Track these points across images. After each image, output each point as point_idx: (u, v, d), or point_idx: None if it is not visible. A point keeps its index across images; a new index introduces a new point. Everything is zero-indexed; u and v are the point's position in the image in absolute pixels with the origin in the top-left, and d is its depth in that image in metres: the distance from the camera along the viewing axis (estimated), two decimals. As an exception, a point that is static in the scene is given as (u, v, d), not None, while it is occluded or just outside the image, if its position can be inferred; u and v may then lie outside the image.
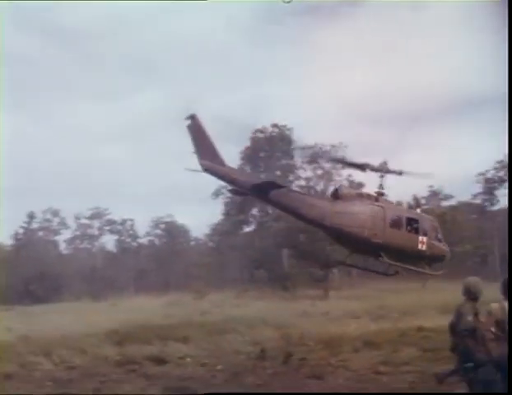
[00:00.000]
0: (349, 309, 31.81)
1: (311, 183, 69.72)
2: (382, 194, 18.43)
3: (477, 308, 8.63)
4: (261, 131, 77.38)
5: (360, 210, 17.82)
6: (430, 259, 18.76)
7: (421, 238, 18.08)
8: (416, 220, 18.46)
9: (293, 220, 61.10)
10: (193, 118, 18.11)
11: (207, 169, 17.98)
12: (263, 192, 17.69)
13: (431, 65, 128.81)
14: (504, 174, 75.66)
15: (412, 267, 18.52)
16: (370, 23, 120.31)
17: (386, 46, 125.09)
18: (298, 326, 23.21)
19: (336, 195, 18.46)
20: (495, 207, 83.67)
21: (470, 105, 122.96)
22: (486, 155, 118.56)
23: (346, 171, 67.04)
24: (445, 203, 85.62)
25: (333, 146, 75.60)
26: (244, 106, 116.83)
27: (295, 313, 28.90)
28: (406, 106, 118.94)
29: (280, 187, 17.90)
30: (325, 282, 58.83)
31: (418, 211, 21.27)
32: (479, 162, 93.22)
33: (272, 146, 77.00)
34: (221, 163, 18.08)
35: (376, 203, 18.05)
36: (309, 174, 71.01)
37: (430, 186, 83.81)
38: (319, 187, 68.84)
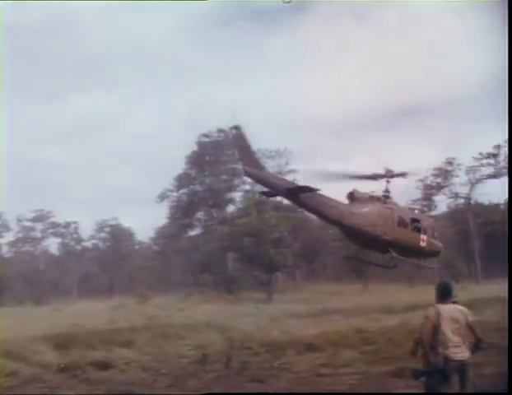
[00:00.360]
0: (292, 311, 32.05)
1: (256, 188, 69.96)
2: (388, 197, 20.74)
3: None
4: (206, 135, 77.33)
5: (373, 211, 20.08)
6: (429, 254, 21.44)
7: (422, 236, 20.42)
8: (418, 220, 20.89)
9: (237, 224, 61.60)
10: (237, 128, 19.49)
11: (249, 174, 19.93)
12: (295, 195, 19.64)
13: (378, 72, 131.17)
14: (441, 180, 77.63)
15: (415, 261, 21.93)
16: (319, 26, 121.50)
17: (334, 51, 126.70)
18: (241, 329, 23.26)
19: (351, 197, 20.42)
20: (434, 212, 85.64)
21: (413, 112, 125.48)
22: (425, 161, 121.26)
23: (291, 176, 67.93)
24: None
25: (278, 152, 76.20)
26: (189, 109, 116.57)
27: (239, 317, 28.93)
28: (352, 111, 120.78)
29: (310, 190, 19.11)
30: (269, 286, 59.20)
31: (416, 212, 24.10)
32: (417, 168, 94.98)
33: (217, 150, 76.95)
34: (261, 168, 19.92)
35: (385, 205, 20.37)
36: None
37: (372, 191, 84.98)
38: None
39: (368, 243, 20.46)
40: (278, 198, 66.89)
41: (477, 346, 8.04)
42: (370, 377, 12.65)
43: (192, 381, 14.89)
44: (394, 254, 19.59)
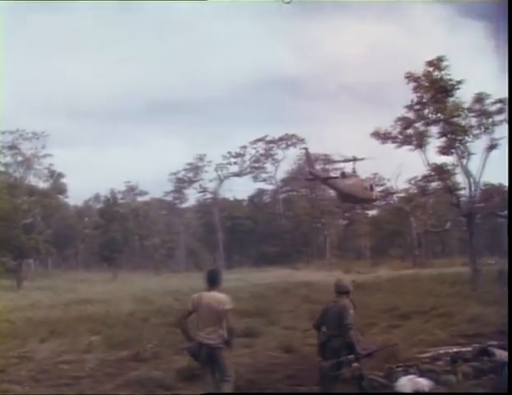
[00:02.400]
0: (40, 298, 30.72)
1: (10, 170, 65.55)
2: (355, 173, 32.20)
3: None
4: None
5: (355, 182, 31.93)
6: (374, 201, 41.21)
7: (373, 193, 35.14)
8: (371, 186, 34.75)
9: None
10: (306, 148, 39.63)
11: (311, 174, 36.11)
12: (326, 180, 35.15)
13: (137, 65, 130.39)
14: (192, 175, 79.94)
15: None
16: (84, 20, 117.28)
17: (101, 40, 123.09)
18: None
19: (343, 175, 32.47)
20: (184, 205, 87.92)
21: (172, 108, 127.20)
22: (178, 156, 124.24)
23: (47, 160, 65.03)
24: (140, 199, 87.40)
25: (34, 134, 71.99)
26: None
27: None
28: (115, 101, 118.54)
29: (332, 178, 34.48)
30: (19, 273, 55.93)
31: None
32: (172, 162, 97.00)
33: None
34: (314, 168, 36.76)
35: (358, 178, 32.27)
36: (8, 160, 66.36)
37: (127, 181, 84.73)
38: (18, 174, 65.29)
39: (353, 201, 38.88)
40: (33, 183, 64.14)
41: (230, 333, 8.17)
42: (108, 361, 12.60)
43: None
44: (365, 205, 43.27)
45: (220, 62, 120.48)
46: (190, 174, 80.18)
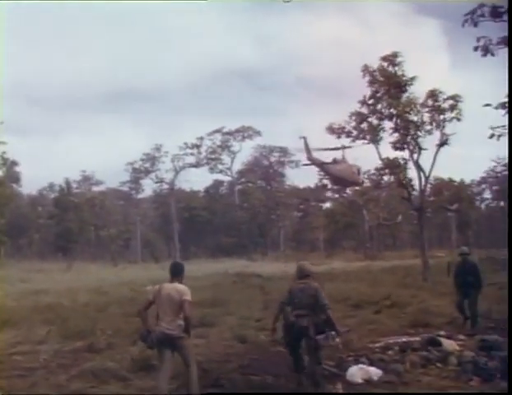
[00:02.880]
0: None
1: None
2: (345, 159, 35.85)
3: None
4: None
5: (346, 167, 35.82)
6: (362, 183, 42.01)
7: (360, 176, 37.81)
8: (359, 169, 36.79)
9: None
10: (304, 137, 37.63)
11: (310, 160, 38.12)
12: (322, 165, 37.72)
13: (96, 54, 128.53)
14: (149, 165, 79.33)
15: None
16: (43, 10, 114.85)
17: (57, 33, 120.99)
18: None
19: (334, 161, 36.01)
20: (141, 195, 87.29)
21: (132, 98, 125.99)
22: (135, 146, 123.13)
23: (0, 148, 63.45)
24: (96, 188, 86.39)
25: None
26: None
27: None
28: (69, 91, 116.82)
29: (326, 163, 36.66)
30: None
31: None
32: (128, 152, 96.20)
33: None
34: (312, 155, 37.52)
35: (348, 163, 35.72)
36: None
37: (83, 171, 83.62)
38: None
39: (344, 184, 42.59)
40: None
41: (186, 323, 8.35)
42: (63, 352, 12.47)
43: None
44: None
45: (178, 53, 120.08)
46: (147, 165, 79.64)
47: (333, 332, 9.04)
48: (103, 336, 13.43)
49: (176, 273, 8.77)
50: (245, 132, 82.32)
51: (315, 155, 37.16)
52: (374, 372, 9.87)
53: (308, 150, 37.73)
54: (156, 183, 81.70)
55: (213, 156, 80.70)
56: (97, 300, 21.27)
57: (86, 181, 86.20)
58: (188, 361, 8.44)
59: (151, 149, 78.31)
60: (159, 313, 8.48)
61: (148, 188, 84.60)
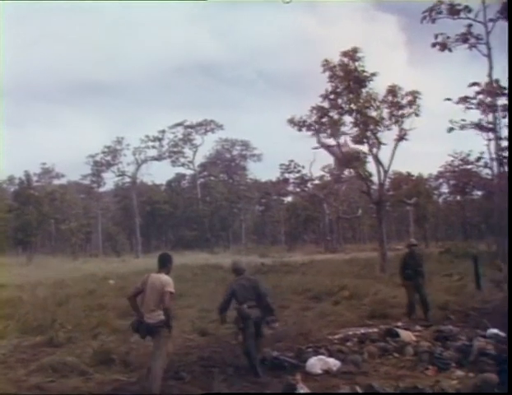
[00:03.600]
0: None
1: None
2: (347, 143, 33.95)
3: None
4: None
5: (349, 150, 33.46)
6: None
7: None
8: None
9: None
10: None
11: (319, 143, 35.81)
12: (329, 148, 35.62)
13: (57, 45, 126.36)
14: (110, 158, 78.28)
15: None
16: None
17: (18, 21, 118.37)
18: None
19: (338, 144, 33.82)
20: (102, 189, 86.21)
21: (87, 90, 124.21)
22: (96, 138, 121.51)
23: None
24: (57, 181, 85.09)
25: None
26: None
27: None
28: (29, 82, 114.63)
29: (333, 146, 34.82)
30: None
31: None
32: (89, 145, 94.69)
33: None
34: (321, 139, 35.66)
35: (350, 147, 33.78)
36: None
37: (44, 163, 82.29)
38: None
39: (347, 166, 38.04)
40: None
41: (166, 314, 8.39)
42: (22, 347, 12.26)
43: None
44: None
45: (140, 46, 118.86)
46: (108, 158, 78.52)
47: (273, 317, 9.84)
48: (63, 330, 13.24)
49: (163, 264, 8.81)
50: (207, 126, 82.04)
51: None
52: (333, 363, 9.97)
53: (318, 134, 36.95)
54: (118, 176, 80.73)
55: (175, 150, 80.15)
56: (57, 294, 20.94)
57: (47, 174, 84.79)
58: (156, 355, 8.44)
59: (113, 142, 77.30)
60: (143, 302, 8.54)
61: (110, 181, 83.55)
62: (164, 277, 8.56)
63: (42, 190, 72.86)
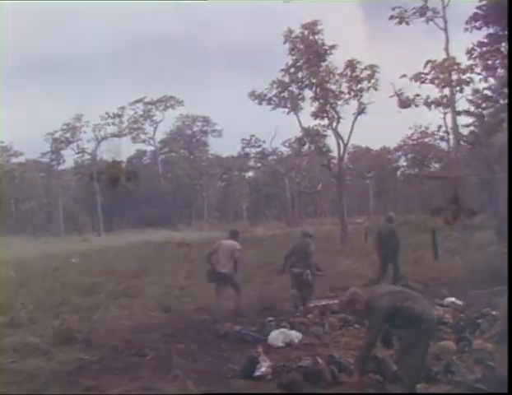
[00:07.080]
0: None
1: None
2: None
3: None
4: None
5: None
6: None
7: None
8: None
9: None
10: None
11: None
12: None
13: (12, 22, 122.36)
14: (70, 135, 76.82)
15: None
16: None
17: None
18: None
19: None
20: (62, 167, 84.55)
21: (44, 67, 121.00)
22: (55, 115, 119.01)
23: None
24: (15, 160, 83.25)
25: None
26: None
27: None
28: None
29: None
30: None
31: None
32: (48, 122, 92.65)
33: None
34: None
35: None
36: None
37: (1, 142, 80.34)
38: None
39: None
40: None
41: (236, 264, 12.30)
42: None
43: None
44: None
45: (98, 22, 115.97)
46: (67, 135, 76.96)
47: (308, 271, 12.85)
48: (24, 310, 13.03)
49: (232, 236, 12.82)
50: (167, 102, 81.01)
51: None
52: (295, 335, 10.07)
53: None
54: (78, 153, 79.15)
55: (135, 126, 79.07)
56: (18, 274, 20.61)
57: (5, 152, 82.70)
58: (238, 288, 12.55)
59: (72, 119, 75.67)
60: (219, 259, 12.19)
61: (69, 158, 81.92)
62: (233, 242, 12.54)
63: (0, 169, 71.21)
